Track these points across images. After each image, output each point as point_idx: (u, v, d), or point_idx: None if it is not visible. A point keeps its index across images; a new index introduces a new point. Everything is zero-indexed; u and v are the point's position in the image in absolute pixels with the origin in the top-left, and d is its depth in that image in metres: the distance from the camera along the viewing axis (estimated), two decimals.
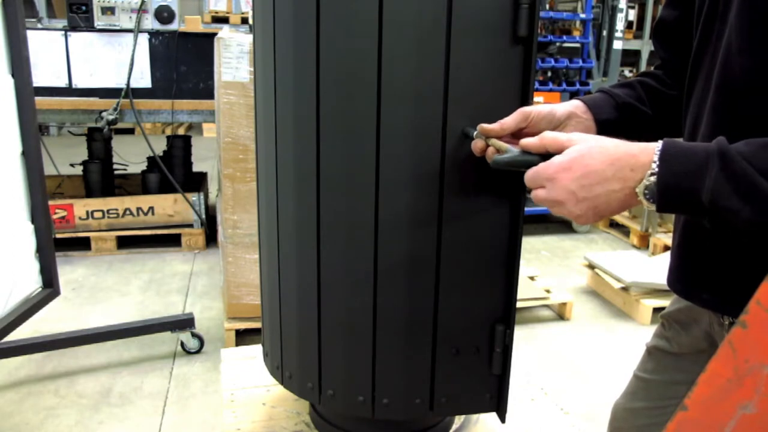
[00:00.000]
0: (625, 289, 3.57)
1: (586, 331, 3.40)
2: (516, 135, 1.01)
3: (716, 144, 0.78)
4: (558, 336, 3.33)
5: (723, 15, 0.92)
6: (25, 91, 2.16)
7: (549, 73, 5.85)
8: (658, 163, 0.80)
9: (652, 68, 1.24)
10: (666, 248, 4.33)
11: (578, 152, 0.85)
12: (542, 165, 0.88)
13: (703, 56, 0.98)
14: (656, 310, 3.40)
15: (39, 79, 3.76)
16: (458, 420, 1.38)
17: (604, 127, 1.12)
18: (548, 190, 0.87)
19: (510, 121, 1.00)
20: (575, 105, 1.12)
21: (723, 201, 0.76)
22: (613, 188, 0.83)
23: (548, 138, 0.89)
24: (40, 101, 3.52)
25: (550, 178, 0.86)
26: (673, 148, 0.80)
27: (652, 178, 0.80)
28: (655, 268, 3.64)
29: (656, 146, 0.81)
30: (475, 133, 1.00)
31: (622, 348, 3.21)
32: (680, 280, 1.08)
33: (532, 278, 3.71)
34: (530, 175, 0.89)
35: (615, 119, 1.13)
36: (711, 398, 0.45)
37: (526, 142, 0.92)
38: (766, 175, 0.74)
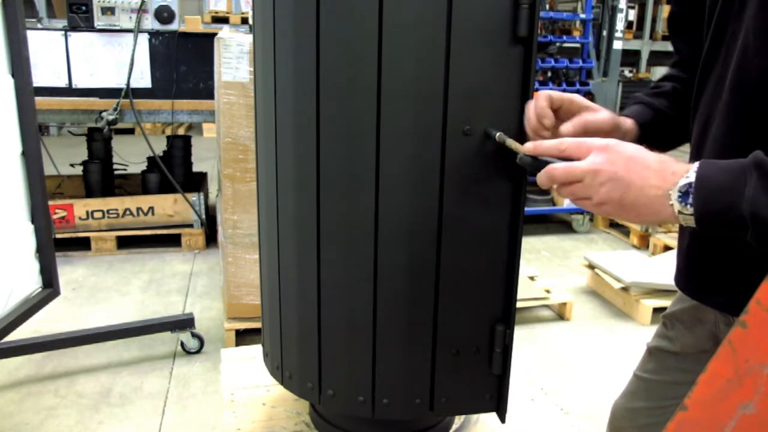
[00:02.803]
0: (625, 289, 3.56)
1: (586, 331, 3.40)
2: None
3: (752, 157, 0.77)
4: (558, 336, 3.33)
5: (737, 15, 0.91)
6: (25, 91, 2.16)
7: (549, 73, 5.84)
8: (696, 168, 0.78)
9: (668, 70, 1.24)
10: (666, 248, 4.33)
11: (629, 143, 0.84)
12: (590, 139, 0.85)
13: (715, 56, 0.97)
14: (656, 311, 3.40)
15: (39, 79, 3.76)
16: (458, 420, 1.38)
17: (644, 129, 1.14)
18: (591, 158, 0.82)
19: (542, 101, 1.02)
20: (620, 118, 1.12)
21: (764, 211, 0.73)
22: (651, 183, 0.79)
23: (572, 144, 0.86)
24: (40, 101, 3.52)
25: (602, 148, 0.83)
26: (709, 162, 0.79)
27: (691, 176, 0.77)
28: (655, 268, 3.64)
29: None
30: (497, 134, 1.00)
31: (622, 348, 3.20)
32: (690, 280, 1.07)
33: (532, 278, 3.71)
34: (578, 142, 0.86)
35: (651, 120, 1.15)
36: (711, 398, 0.45)
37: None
38: None
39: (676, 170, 0.80)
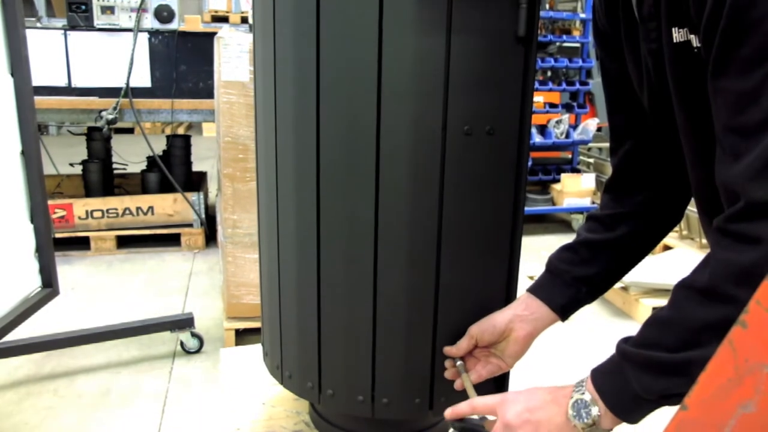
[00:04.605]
0: (624, 288, 3.57)
1: (585, 330, 3.40)
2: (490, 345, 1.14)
3: (617, 348, 0.88)
4: (557, 335, 3.33)
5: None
6: (25, 91, 2.16)
7: (549, 73, 5.85)
8: (587, 375, 0.90)
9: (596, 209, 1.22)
10: (665, 248, 4.33)
11: (519, 391, 0.96)
12: (491, 396, 0.99)
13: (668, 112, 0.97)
14: (656, 310, 3.40)
15: (38, 79, 3.76)
16: None
17: (567, 311, 1.15)
18: (499, 416, 0.95)
19: (464, 344, 1.10)
20: (519, 304, 1.14)
21: (656, 387, 0.81)
22: (552, 412, 0.90)
23: (479, 404, 0.99)
24: (40, 101, 3.52)
25: (500, 403, 0.96)
26: (595, 371, 0.90)
27: (583, 386, 0.89)
28: (655, 267, 3.64)
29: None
30: (458, 363, 1.11)
31: None
32: None
33: (531, 278, 3.71)
34: (480, 403, 1.00)
35: (573, 298, 1.15)
36: (711, 397, 0.45)
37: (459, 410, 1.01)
38: (656, 347, 0.82)
39: (566, 392, 0.91)
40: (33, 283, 2.32)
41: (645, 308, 3.43)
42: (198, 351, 3.01)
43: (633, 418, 0.85)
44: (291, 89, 1.09)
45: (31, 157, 2.22)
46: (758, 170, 0.69)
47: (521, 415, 0.91)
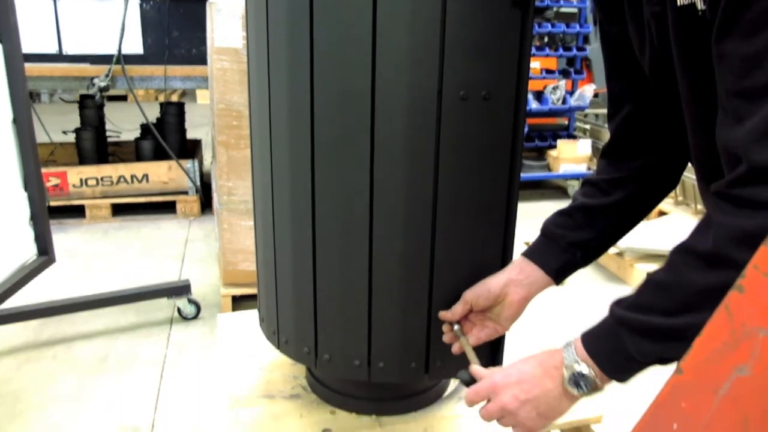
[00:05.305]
0: (619, 253, 3.58)
1: (580, 295, 3.42)
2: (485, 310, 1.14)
3: (610, 313, 0.87)
4: (552, 300, 3.35)
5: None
6: (15, 58, 2.13)
7: (546, 38, 5.79)
8: (575, 340, 0.90)
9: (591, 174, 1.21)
10: (660, 213, 4.34)
11: (510, 366, 0.96)
12: (482, 382, 0.98)
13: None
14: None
15: (28, 46, 3.71)
16: (453, 383, 1.39)
17: (561, 275, 1.15)
18: (494, 401, 0.94)
19: (459, 308, 1.12)
20: (513, 268, 1.14)
21: (653, 351, 0.81)
22: (548, 387, 0.91)
23: (471, 394, 0.98)
24: (31, 68, 3.47)
25: (491, 389, 0.95)
26: (585, 335, 0.90)
27: (572, 351, 0.89)
28: (650, 233, 3.65)
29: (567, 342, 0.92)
30: (456, 327, 1.13)
31: None
32: None
33: (527, 243, 3.71)
34: (471, 392, 0.98)
35: (567, 263, 1.15)
36: (706, 361, 0.45)
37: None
38: (653, 312, 0.81)
39: (557, 363, 0.91)
40: (29, 251, 2.32)
41: (639, 273, 3.45)
42: (195, 317, 3.02)
43: (624, 377, 0.87)
44: (284, 54, 1.07)
45: (23, 125, 2.20)
46: (762, 132, 0.69)
47: (518, 397, 0.92)
